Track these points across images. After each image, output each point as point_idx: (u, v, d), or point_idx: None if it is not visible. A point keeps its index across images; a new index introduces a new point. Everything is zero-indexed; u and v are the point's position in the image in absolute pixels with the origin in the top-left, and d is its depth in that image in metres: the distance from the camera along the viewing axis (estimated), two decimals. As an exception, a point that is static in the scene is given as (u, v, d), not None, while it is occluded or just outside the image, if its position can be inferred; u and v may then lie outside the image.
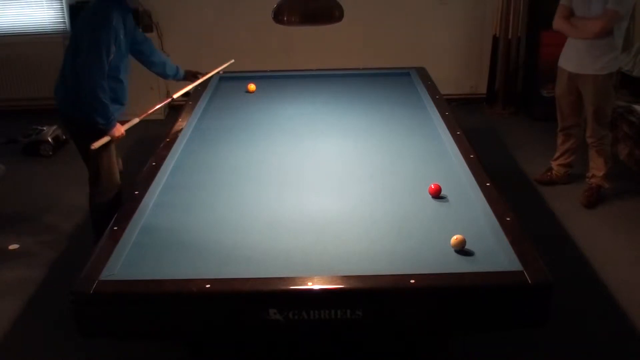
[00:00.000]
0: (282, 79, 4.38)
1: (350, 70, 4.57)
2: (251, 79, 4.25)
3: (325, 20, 2.83)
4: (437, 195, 2.61)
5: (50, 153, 5.03)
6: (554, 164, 4.38)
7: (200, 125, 3.53)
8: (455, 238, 2.22)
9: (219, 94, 4.08)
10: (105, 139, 3.20)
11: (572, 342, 2.87)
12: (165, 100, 3.66)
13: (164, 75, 3.73)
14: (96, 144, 3.17)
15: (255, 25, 5.69)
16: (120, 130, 3.24)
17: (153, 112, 3.54)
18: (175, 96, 3.67)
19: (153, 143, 3.32)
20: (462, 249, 2.21)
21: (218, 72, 4.04)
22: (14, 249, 3.75)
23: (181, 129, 3.38)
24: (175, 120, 3.54)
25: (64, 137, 5.11)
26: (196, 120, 3.59)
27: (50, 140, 5.02)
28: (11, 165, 4.83)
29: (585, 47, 3.87)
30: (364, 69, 4.60)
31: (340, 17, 2.84)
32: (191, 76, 3.82)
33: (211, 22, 5.78)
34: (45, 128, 5.08)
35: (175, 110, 3.67)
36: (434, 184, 2.62)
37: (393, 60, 5.23)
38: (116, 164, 3.38)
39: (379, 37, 5.81)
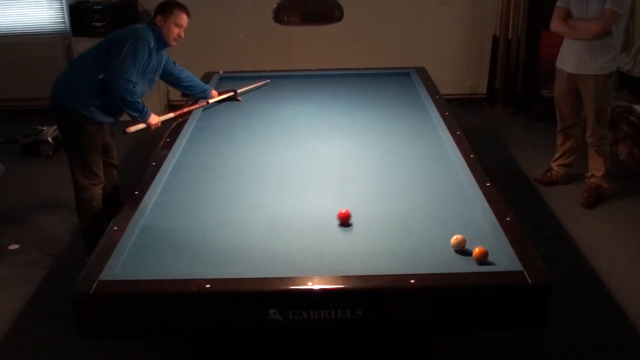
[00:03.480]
0: (282, 79, 4.38)
1: (350, 70, 4.57)
2: (251, 79, 4.25)
3: (325, 20, 2.83)
4: (345, 221, 2.41)
5: (50, 153, 5.03)
6: (554, 165, 4.38)
7: (200, 125, 3.53)
8: (455, 238, 2.21)
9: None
10: (141, 126, 3.33)
11: (572, 342, 2.87)
12: (202, 104, 3.78)
13: (193, 95, 3.86)
14: (131, 129, 3.31)
15: (255, 25, 5.70)
16: (156, 119, 3.37)
17: (188, 111, 3.64)
18: (211, 101, 3.82)
19: (153, 143, 3.32)
20: (462, 249, 2.21)
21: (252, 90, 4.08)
22: (14, 249, 3.75)
23: (181, 129, 3.38)
24: (175, 120, 3.54)
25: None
26: (196, 120, 3.59)
27: (50, 140, 5.02)
28: (11, 165, 4.82)
29: (584, 47, 3.87)
30: (364, 69, 4.60)
31: (340, 17, 2.84)
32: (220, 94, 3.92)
33: (211, 22, 5.77)
34: (45, 128, 5.08)
35: (175, 110, 3.67)
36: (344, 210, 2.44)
37: (393, 60, 5.23)
38: (98, 162, 3.40)
39: (379, 37, 5.81)
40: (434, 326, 2.11)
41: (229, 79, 4.35)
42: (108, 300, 2.01)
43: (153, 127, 3.39)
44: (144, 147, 4.58)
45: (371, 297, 2.00)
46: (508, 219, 2.33)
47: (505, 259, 2.12)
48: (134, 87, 3.17)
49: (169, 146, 3.14)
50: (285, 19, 2.79)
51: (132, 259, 2.21)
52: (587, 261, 3.47)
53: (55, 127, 5.05)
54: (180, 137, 3.27)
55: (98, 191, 3.41)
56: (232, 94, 3.93)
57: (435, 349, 2.50)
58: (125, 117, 3.36)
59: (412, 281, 1.99)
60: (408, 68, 4.49)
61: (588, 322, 3.00)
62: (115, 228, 2.35)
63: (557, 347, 2.83)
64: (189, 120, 3.53)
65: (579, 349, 2.84)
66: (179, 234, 2.38)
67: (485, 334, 2.77)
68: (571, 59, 3.98)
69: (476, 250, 2.15)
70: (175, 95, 5.89)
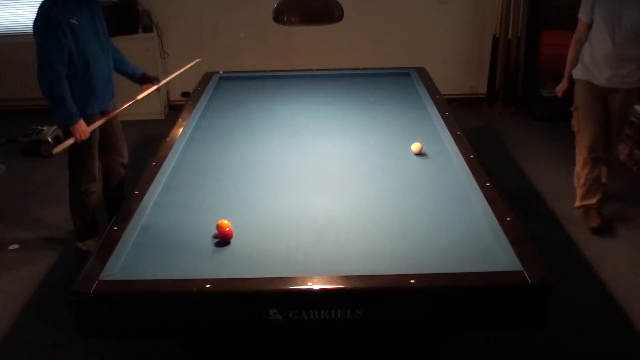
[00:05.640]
0: (282, 79, 4.38)
1: (350, 70, 4.57)
2: (251, 79, 4.25)
3: (325, 20, 2.83)
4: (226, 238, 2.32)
5: (51, 153, 5.03)
6: (594, 201, 3.80)
7: (200, 125, 3.53)
8: (415, 145, 2.92)
9: (219, 94, 4.08)
10: (68, 142, 3.27)
11: (572, 342, 2.87)
12: (130, 102, 3.64)
13: (121, 71, 3.65)
14: (58, 148, 3.26)
15: (255, 25, 5.70)
16: (82, 128, 3.25)
17: (119, 112, 3.57)
18: (139, 98, 3.68)
19: (153, 143, 3.32)
20: (419, 153, 2.94)
21: (181, 73, 3.86)
22: (14, 249, 3.75)
23: (181, 129, 3.38)
24: (175, 120, 3.54)
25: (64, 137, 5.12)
26: (196, 120, 3.59)
27: (50, 140, 5.02)
28: (11, 165, 4.84)
29: (623, 60, 3.57)
30: (364, 69, 4.60)
31: (340, 17, 2.84)
32: (149, 80, 3.72)
33: (211, 22, 5.78)
34: (45, 128, 5.09)
35: (175, 110, 3.67)
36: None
37: (393, 60, 5.23)
38: (94, 160, 3.46)
39: (379, 37, 5.82)
40: (434, 326, 2.11)
41: (229, 79, 4.35)
42: (108, 300, 2.01)
43: (80, 138, 3.25)
44: (144, 147, 4.58)
45: (371, 297, 2.00)
46: (508, 219, 2.33)
47: (505, 259, 2.12)
48: (60, 75, 3.08)
49: (169, 146, 3.14)
50: (285, 19, 2.79)
51: (132, 259, 2.21)
52: (587, 261, 3.47)
53: (55, 127, 5.06)
54: (180, 137, 3.27)
55: (91, 188, 3.48)
56: (155, 84, 3.73)
57: (436, 349, 2.51)
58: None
59: (412, 281, 1.99)
60: (408, 68, 4.49)
61: (588, 322, 3.01)
62: (115, 228, 2.35)
63: (557, 347, 2.83)
64: (189, 120, 3.53)
65: (579, 349, 2.84)
66: (179, 234, 2.39)
67: (485, 334, 2.77)
68: (605, 71, 3.61)
69: None
70: (175, 95, 5.91)
